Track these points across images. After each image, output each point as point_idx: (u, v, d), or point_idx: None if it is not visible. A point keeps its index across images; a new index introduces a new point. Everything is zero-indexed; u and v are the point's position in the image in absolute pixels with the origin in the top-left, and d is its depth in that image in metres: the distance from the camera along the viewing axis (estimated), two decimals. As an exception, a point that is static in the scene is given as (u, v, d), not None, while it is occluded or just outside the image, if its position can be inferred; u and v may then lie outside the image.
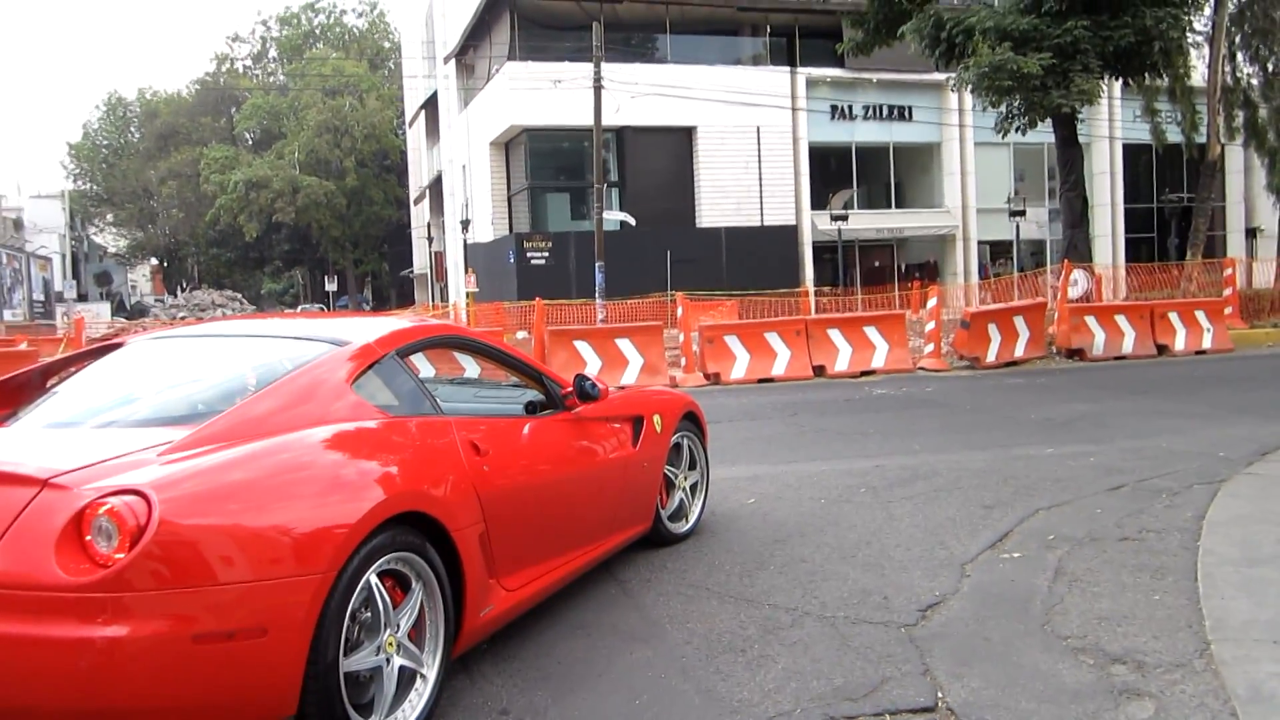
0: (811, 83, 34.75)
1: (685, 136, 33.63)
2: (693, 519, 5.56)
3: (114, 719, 2.44)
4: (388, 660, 3.05)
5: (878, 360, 14.60)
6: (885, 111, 36.02)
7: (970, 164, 36.43)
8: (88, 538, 2.49)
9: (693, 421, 5.65)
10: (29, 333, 26.98)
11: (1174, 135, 27.42)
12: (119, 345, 4.11)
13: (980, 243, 37.32)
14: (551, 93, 29.91)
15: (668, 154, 33.65)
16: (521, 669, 3.71)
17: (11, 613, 2.44)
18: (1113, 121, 35.30)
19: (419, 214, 54.96)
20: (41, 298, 51.61)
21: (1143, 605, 4.18)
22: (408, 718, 3.09)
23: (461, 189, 40.84)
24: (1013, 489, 6.43)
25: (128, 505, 2.51)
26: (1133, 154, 37.77)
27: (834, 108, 35.27)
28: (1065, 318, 16.06)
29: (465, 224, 37.30)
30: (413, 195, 56.51)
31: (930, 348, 15.14)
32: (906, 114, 36.04)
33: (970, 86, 19.59)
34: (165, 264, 78.33)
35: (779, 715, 3.25)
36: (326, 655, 2.77)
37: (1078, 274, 19.09)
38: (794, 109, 34.32)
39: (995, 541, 5.22)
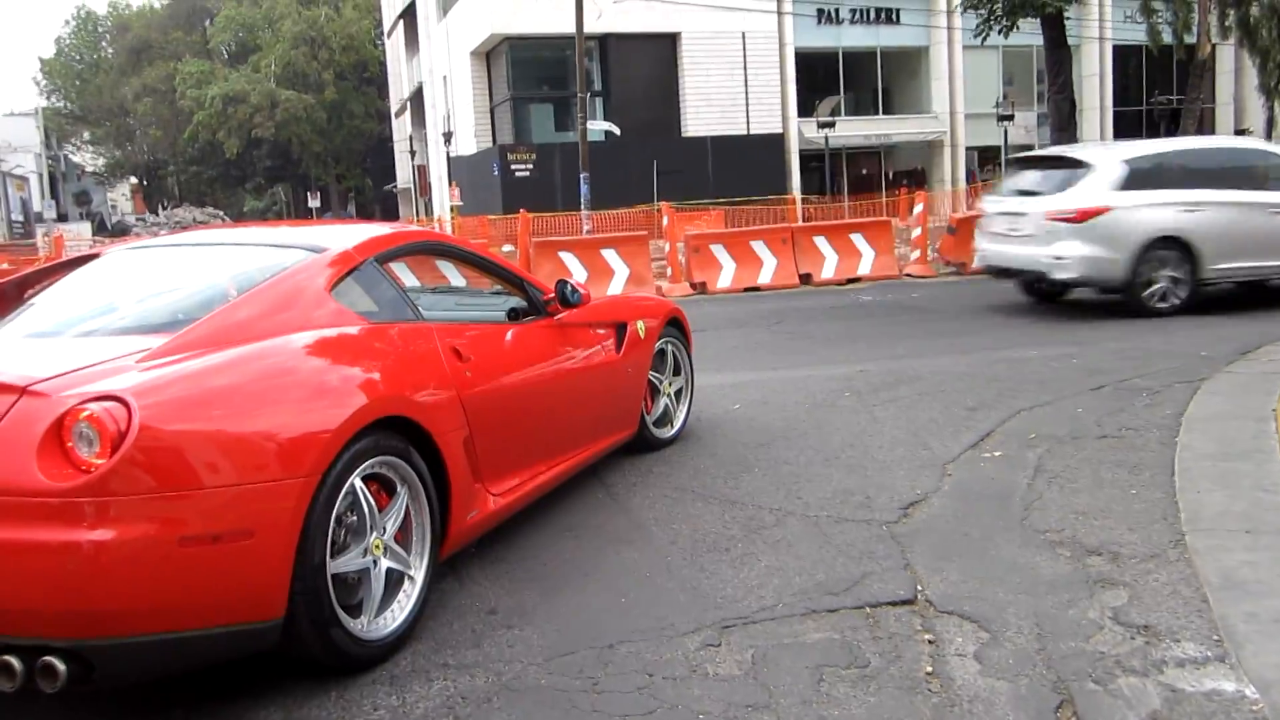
0: (798, -16, 34.04)
1: (669, 43, 32.98)
2: (678, 424, 5.61)
3: (104, 621, 2.47)
4: (375, 562, 3.09)
5: (864, 267, 14.56)
6: (873, 15, 35.37)
7: (959, 68, 35.94)
8: (69, 444, 2.49)
9: (677, 328, 5.66)
10: (8, 253, 26.63)
11: (1169, 37, 26.97)
12: (96, 256, 4.07)
13: (968, 149, 37.03)
14: (532, -1, 29.24)
15: (652, 62, 33.03)
16: (509, 571, 3.77)
17: (-2, 518, 2.45)
18: (1103, 22, 34.74)
19: (400, 127, 54.00)
20: (20, 218, 50.93)
21: (1120, 500, 4.25)
22: (396, 618, 3.14)
23: (443, 101, 40.12)
24: (995, 391, 6.48)
25: (107, 411, 2.52)
26: (1123, 56, 37.26)
27: (820, 11, 34.59)
28: (1052, 222, 15.96)
29: (448, 137, 36.74)
30: (393, 108, 55.45)
31: (916, 254, 15.11)
32: (894, 16, 35.38)
33: None
34: (145, 183, 77.05)
35: (762, 609, 3.31)
36: (313, 558, 2.80)
37: (1065, 178, 18.94)
38: (780, 12, 33.62)
39: (977, 441, 5.28)
